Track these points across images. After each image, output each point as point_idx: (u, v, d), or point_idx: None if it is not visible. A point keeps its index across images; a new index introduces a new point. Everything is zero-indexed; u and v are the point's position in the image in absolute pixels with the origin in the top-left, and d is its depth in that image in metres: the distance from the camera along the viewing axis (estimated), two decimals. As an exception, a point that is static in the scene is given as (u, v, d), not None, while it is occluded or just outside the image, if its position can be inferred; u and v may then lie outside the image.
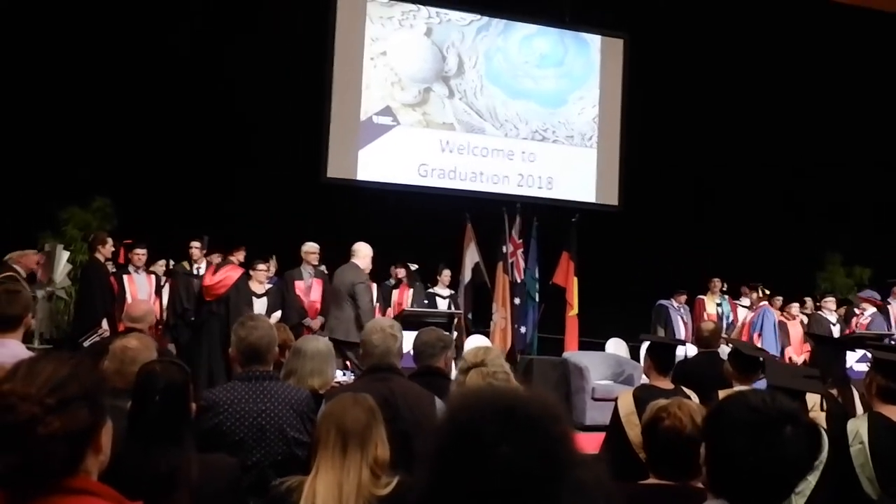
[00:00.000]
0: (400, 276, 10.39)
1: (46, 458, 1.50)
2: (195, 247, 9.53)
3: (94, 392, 1.60)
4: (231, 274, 9.03)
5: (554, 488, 1.00)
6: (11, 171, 9.79)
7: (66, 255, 9.23)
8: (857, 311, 11.91)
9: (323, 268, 9.73)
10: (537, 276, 11.56)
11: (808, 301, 12.33)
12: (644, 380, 5.31)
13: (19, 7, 10.20)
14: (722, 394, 4.66)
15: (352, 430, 2.60)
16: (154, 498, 1.87)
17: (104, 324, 8.43)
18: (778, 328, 11.61)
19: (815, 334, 10.81)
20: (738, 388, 4.71)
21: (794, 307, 11.90)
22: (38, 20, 10.30)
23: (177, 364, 3.08)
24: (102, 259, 8.99)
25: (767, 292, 11.92)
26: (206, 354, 8.85)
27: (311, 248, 9.45)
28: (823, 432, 3.12)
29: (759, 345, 9.62)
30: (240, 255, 9.45)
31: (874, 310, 11.47)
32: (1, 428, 1.49)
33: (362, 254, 8.55)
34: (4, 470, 1.49)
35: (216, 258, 9.76)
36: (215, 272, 9.04)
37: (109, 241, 9.15)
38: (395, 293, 10.24)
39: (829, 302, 11.73)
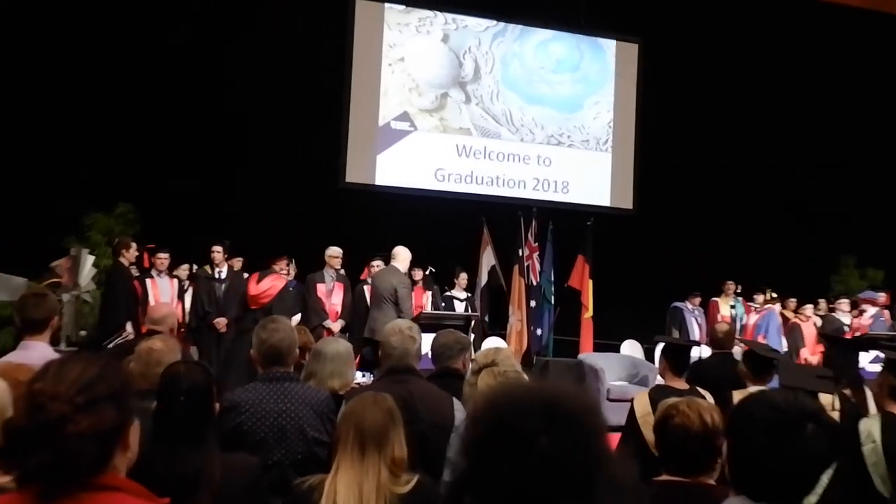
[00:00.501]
0: (416, 278, 10.41)
1: (76, 456, 1.52)
2: (217, 251, 9.57)
3: (121, 392, 1.62)
4: (276, 283, 9.16)
5: (589, 480, 1.02)
6: (36, 178, 9.88)
7: (90, 259, 9.30)
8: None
9: (343, 271, 9.76)
10: (553, 279, 11.59)
11: (822, 302, 12.29)
12: (659, 381, 5.32)
13: (42, 23, 10.29)
14: (736, 394, 4.66)
15: (370, 430, 2.62)
16: (178, 497, 1.90)
17: (128, 327, 8.50)
18: (792, 329, 11.59)
19: (829, 335, 10.77)
20: (752, 388, 4.71)
21: (808, 308, 11.88)
22: (59, 35, 10.38)
23: (200, 366, 3.11)
24: (126, 263, 9.06)
25: (775, 295, 11.91)
26: (246, 361, 8.91)
27: (334, 253, 9.49)
28: (837, 432, 3.11)
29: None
30: (282, 264, 9.51)
31: (876, 310, 11.45)
32: (32, 426, 1.52)
33: (402, 258, 8.69)
34: (36, 467, 1.52)
35: (237, 262, 9.82)
36: (259, 281, 9.12)
37: (133, 245, 9.22)
38: (422, 294, 10.28)
39: (843, 303, 11.71)
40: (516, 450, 1.02)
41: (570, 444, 1.03)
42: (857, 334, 10.85)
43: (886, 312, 11.52)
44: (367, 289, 9.53)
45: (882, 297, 12.05)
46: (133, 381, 1.87)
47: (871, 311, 11.44)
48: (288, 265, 9.73)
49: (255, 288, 9.13)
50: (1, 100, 10.01)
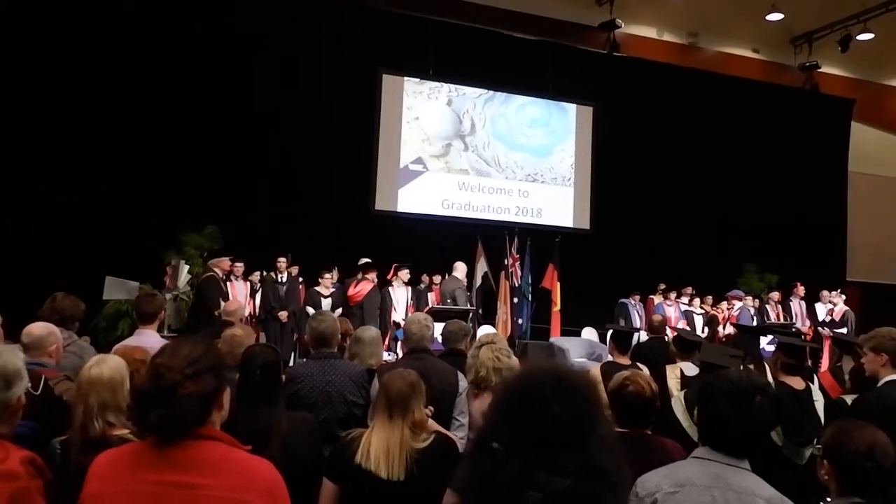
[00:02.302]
0: (435, 281, 10.44)
1: (185, 413, 1.56)
2: (282, 261, 9.61)
3: (218, 365, 1.66)
4: (365, 287, 9.39)
5: (586, 438, 1.05)
6: (143, 206, 9.92)
7: (186, 268, 9.33)
8: (768, 303, 11.88)
9: (374, 278, 9.75)
10: (530, 281, 11.54)
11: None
12: (609, 358, 5.33)
13: (141, 79, 10.35)
14: (668, 368, 4.68)
15: (396, 399, 2.63)
16: (257, 444, 1.93)
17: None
18: (710, 319, 11.59)
19: (737, 324, 10.80)
20: (680, 363, 4.72)
21: (723, 304, 11.90)
22: (155, 92, 10.45)
23: (271, 347, 3.14)
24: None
25: (691, 292, 11.92)
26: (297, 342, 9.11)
27: (225, 260, 9.51)
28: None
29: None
30: (373, 275, 9.60)
31: (741, 304, 11.49)
32: (154, 390, 1.56)
33: (460, 269, 9.74)
34: (155, 421, 1.56)
35: (294, 270, 9.83)
36: (356, 286, 9.39)
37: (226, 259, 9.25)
38: (430, 295, 10.31)
39: (748, 300, 11.72)
40: (534, 412, 1.05)
41: (574, 411, 1.06)
42: (730, 321, 11.00)
43: (747, 302, 11.60)
44: (390, 290, 9.59)
45: (775, 293, 12.08)
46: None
47: (738, 304, 11.51)
48: (331, 271, 9.71)
49: (352, 290, 9.42)
50: (117, 146, 10.08)
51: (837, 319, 11.54)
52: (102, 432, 2.45)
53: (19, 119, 9.55)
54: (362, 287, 9.35)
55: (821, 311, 11.91)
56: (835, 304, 11.68)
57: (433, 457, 2.59)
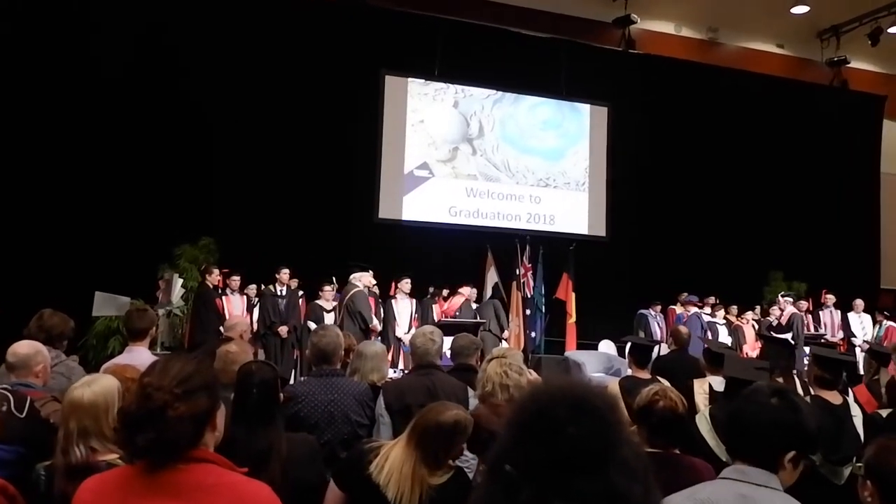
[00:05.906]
0: (445, 294, 10.44)
1: (176, 435, 1.53)
2: (284, 273, 9.61)
3: (211, 384, 1.63)
4: (457, 301, 10.07)
5: (604, 462, 1.03)
6: (136, 218, 9.94)
7: (180, 281, 9.33)
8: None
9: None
10: (543, 292, 11.52)
11: (758, 308, 12.20)
12: (628, 372, 5.29)
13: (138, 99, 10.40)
14: (696, 382, 4.62)
15: (434, 433, 2.60)
16: (254, 467, 1.90)
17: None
18: (735, 330, 11.47)
19: (765, 335, 10.70)
20: (709, 378, 4.66)
21: (749, 314, 11.81)
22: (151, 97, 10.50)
23: (269, 364, 3.10)
24: (210, 285, 9.09)
25: (713, 301, 11.84)
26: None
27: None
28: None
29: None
30: (466, 291, 9.98)
31: (695, 310, 11.40)
32: (142, 411, 1.53)
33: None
34: (144, 443, 1.52)
35: (293, 282, 9.82)
36: (447, 300, 10.16)
37: (216, 270, 9.25)
38: (436, 307, 10.31)
39: (775, 309, 11.62)
40: (549, 434, 1.03)
41: (592, 433, 1.04)
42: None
43: (701, 311, 11.50)
44: (393, 302, 9.57)
45: (803, 303, 11.98)
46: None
47: (693, 309, 11.42)
48: (331, 283, 9.68)
49: (445, 304, 10.07)
50: (110, 158, 10.11)
51: (784, 324, 11.44)
52: (85, 458, 2.42)
53: (7, 128, 9.61)
54: (454, 301, 9.54)
55: (775, 316, 11.78)
56: (782, 309, 11.59)
57: (449, 492, 2.55)
